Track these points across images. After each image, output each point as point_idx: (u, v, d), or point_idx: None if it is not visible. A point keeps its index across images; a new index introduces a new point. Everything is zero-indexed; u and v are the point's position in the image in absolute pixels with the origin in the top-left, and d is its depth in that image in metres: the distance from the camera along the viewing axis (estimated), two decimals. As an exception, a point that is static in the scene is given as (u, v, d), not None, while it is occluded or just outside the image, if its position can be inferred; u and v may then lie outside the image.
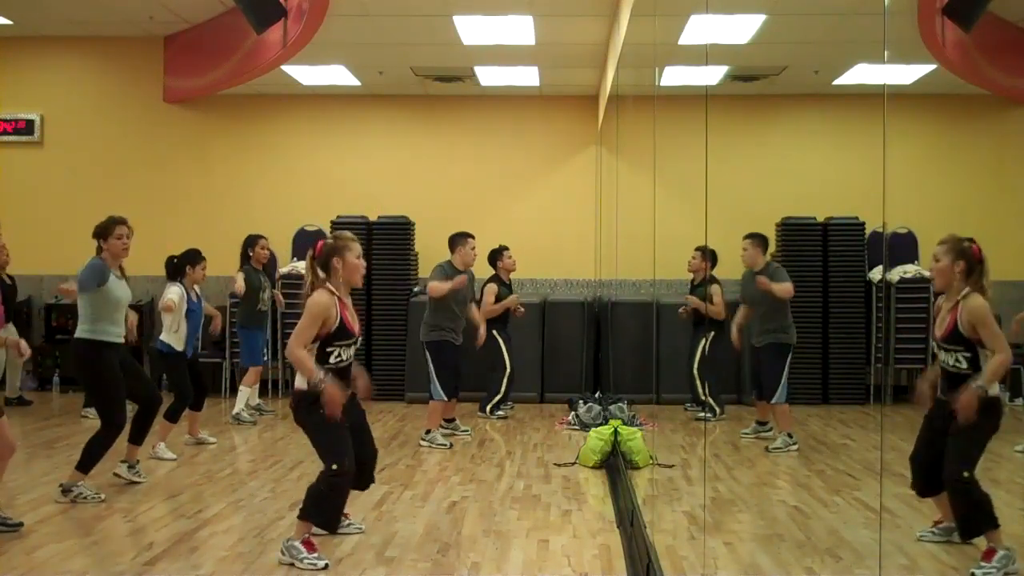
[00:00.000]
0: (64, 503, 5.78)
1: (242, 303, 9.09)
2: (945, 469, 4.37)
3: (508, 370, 9.47)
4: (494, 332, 9.28)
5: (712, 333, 8.45)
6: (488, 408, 9.56)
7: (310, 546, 4.67)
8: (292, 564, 4.62)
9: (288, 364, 10.99)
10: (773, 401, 7.33)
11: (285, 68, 10.49)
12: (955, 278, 4.39)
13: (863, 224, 10.10)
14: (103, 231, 6.28)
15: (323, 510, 4.75)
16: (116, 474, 6.34)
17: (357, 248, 4.93)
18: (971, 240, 4.42)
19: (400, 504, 5.90)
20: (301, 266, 10.94)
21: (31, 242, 10.55)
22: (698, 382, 8.89)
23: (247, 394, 9.21)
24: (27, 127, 11.62)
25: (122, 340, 6.13)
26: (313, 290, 4.81)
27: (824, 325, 10.00)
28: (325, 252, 4.87)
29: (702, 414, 8.75)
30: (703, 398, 8.71)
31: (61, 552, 4.82)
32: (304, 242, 11.44)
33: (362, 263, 4.95)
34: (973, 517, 4.24)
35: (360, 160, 11.88)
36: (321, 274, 4.85)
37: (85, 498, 5.83)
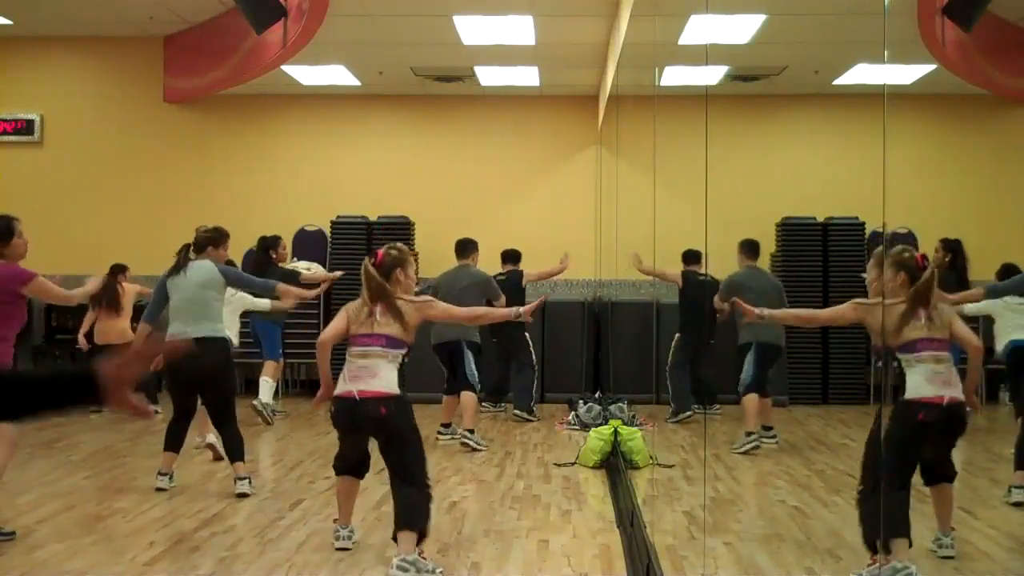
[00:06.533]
0: (63, 504, 5.79)
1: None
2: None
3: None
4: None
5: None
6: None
7: (424, 556, 4.60)
8: None
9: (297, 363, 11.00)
10: (743, 395, 7.31)
11: (285, 68, 10.49)
12: (900, 291, 4.22)
13: (863, 224, 10.10)
14: (219, 239, 6.35)
15: (428, 518, 4.68)
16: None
17: (414, 263, 5.03)
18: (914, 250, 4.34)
19: (400, 504, 5.89)
20: (301, 266, 10.97)
21: (30, 242, 10.54)
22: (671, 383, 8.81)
23: (270, 385, 9.24)
24: (27, 127, 11.62)
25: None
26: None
27: (824, 325, 9.99)
28: (389, 263, 4.84)
29: (709, 409, 8.71)
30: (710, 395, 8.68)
31: (61, 552, 4.82)
32: (304, 242, 11.46)
33: (415, 279, 5.03)
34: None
35: (360, 160, 11.88)
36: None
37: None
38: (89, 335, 9.42)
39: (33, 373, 2.14)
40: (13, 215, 5.38)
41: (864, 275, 9.09)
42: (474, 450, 7.74)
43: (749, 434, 7.11)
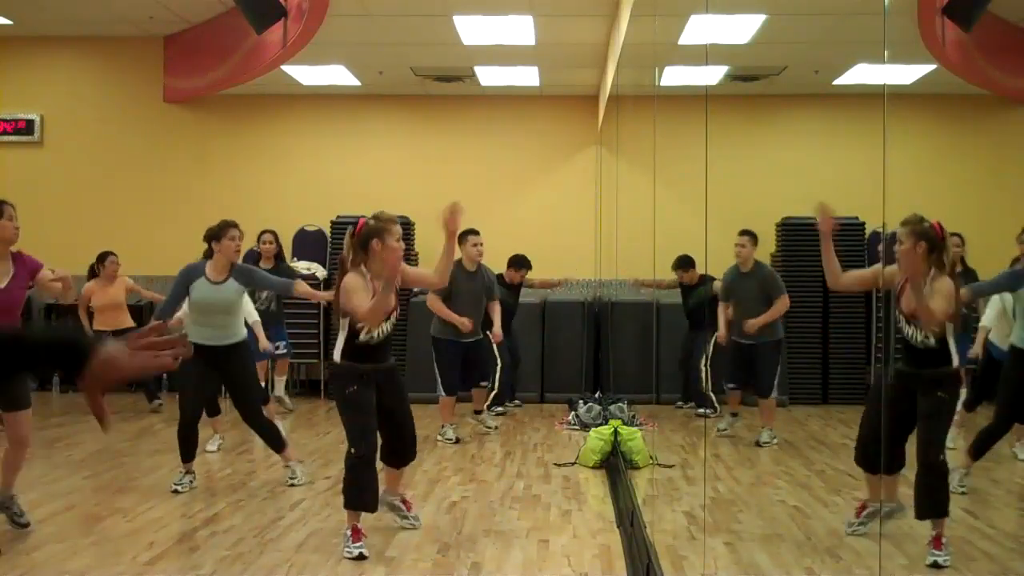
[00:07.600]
0: (62, 504, 5.79)
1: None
2: (922, 452, 4.35)
3: (499, 366, 9.43)
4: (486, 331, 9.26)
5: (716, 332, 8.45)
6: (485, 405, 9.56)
7: (356, 534, 4.81)
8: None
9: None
10: (772, 396, 7.41)
11: (285, 68, 10.49)
12: (919, 259, 4.37)
13: (863, 224, 10.10)
14: (217, 234, 6.28)
15: (348, 490, 4.88)
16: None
17: (398, 231, 4.86)
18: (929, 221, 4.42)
19: (400, 504, 5.89)
20: (301, 266, 10.97)
21: (31, 242, 10.53)
22: (705, 380, 8.85)
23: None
24: (27, 127, 11.62)
25: (211, 343, 6.08)
26: (347, 270, 4.82)
27: (824, 325, 9.99)
28: (365, 233, 4.81)
29: (701, 411, 8.75)
30: (704, 393, 8.69)
31: (61, 552, 4.82)
32: (304, 242, 11.47)
33: (401, 246, 4.86)
34: (939, 499, 4.28)
35: (360, 160, 11.87)
36: (359, 254, 4.82)
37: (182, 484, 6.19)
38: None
39: (32, 335, 2.01)
40: (7, 200, 5.40)
41: None
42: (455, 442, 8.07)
43: (771, 430, 7.32)
